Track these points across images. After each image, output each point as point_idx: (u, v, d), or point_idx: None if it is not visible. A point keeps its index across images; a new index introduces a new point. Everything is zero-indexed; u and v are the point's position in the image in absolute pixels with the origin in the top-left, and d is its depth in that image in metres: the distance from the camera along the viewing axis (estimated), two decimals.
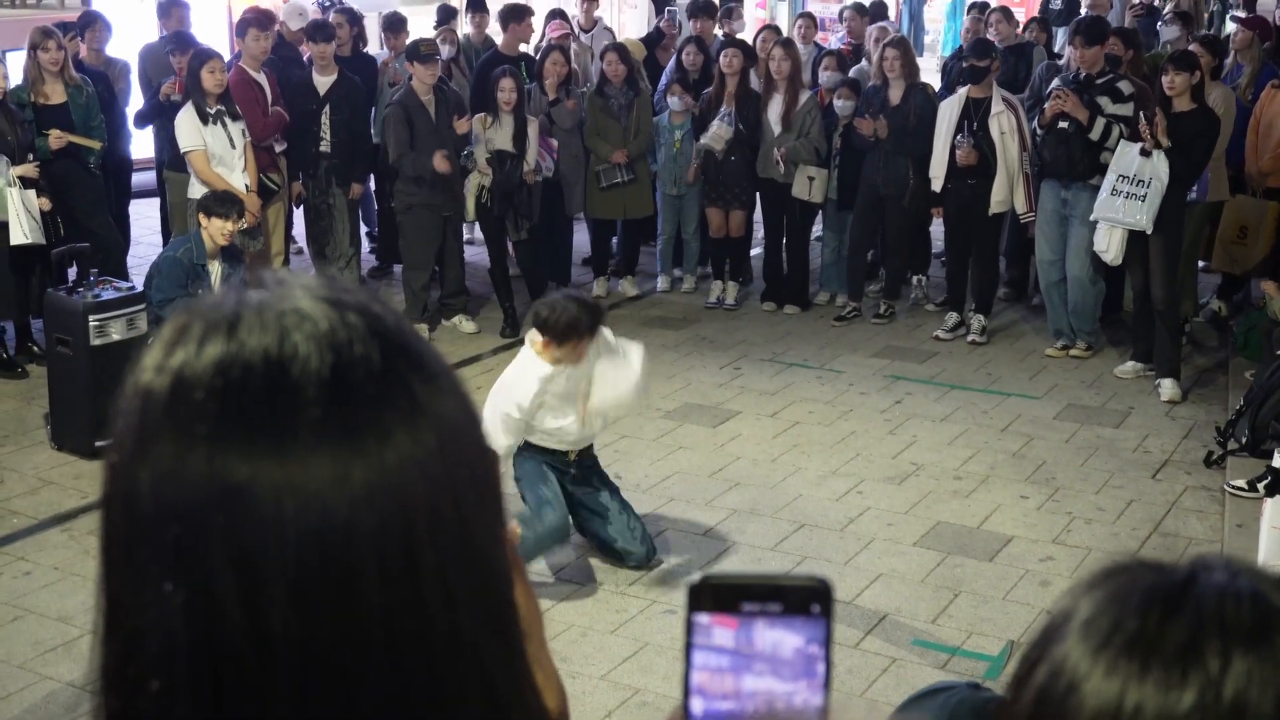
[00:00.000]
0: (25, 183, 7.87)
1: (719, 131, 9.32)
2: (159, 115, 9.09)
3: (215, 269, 7.69)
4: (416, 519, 0.86)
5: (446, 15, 11.30)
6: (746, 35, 13.84)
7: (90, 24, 9.76)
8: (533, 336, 5.54)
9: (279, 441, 0.84)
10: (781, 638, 0.90)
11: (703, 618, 0.90)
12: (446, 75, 9.73)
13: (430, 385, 0.89)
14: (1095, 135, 8.13)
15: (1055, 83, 8.53)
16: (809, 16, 12.68)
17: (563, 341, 5.43)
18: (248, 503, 0.83)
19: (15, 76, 8.49)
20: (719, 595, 0.90)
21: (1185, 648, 0.82)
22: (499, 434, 5.45)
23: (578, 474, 5.89)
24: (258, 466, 0.83)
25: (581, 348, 5.50)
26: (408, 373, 0.89)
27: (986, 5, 12.04)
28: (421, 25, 11.52)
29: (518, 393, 5.52)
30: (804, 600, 0.90)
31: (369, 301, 0.91)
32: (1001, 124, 8.63)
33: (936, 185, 8.84)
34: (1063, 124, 8.23)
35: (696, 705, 0.90)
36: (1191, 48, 8.77)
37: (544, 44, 11.08)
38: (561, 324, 5.39)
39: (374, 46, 11.32)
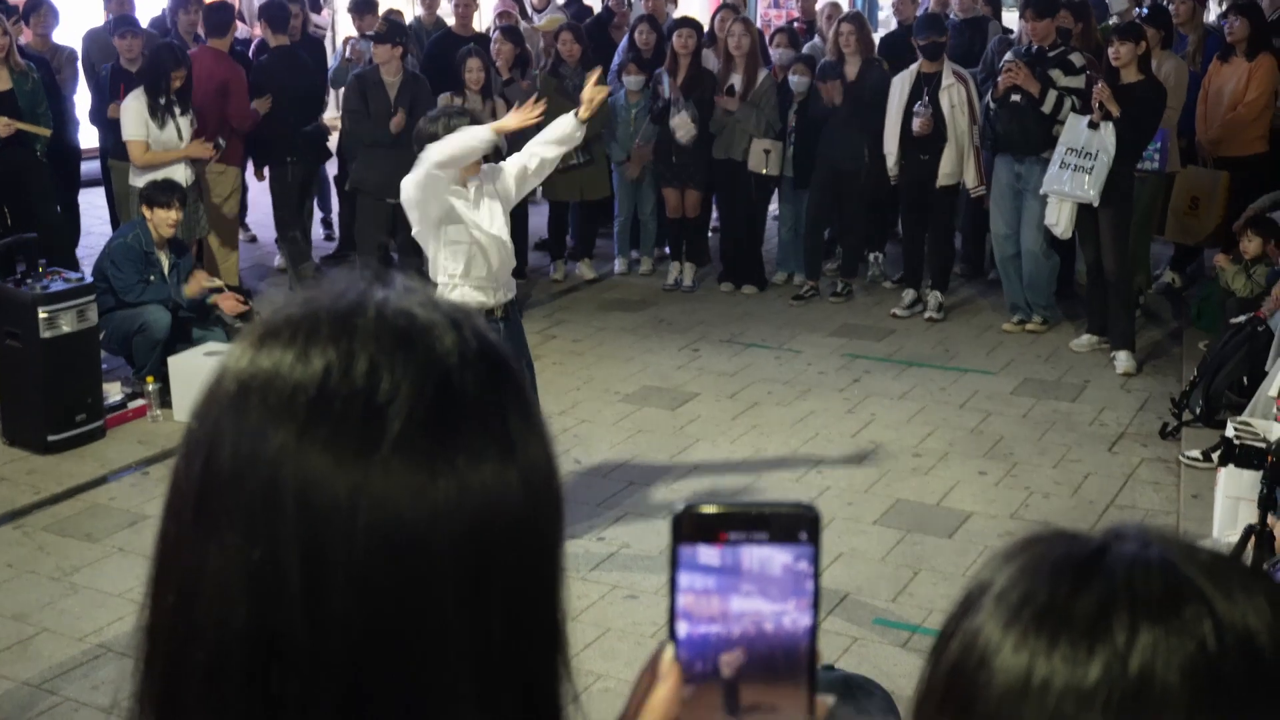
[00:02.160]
0: None
1: (685, 121, 9.29)
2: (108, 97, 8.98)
3: (164, 258, 7.63)
4: (492, 548, 0.86)
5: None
6: (703, 14, 13.83)
7: (35, 9, 9.63)
8: None
9: (366, 444, 0.84)
10: (770, 555, 0.88)
11: (687, 548, 0.89)
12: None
13: (525, 424, 0.90)
14: (1047, 108, 8.15)
15: (1007, 56, 8.54)
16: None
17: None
18: (324, 492, 0.84)
19: None
20: (703, 525, 0.89)
21: (1093, 619, 0.80)
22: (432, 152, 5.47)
23: (505, 328, 5.80)
24: (340, 460, 0.84)
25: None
26: (507, 407, 0.89)
27: None
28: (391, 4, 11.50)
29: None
30: (790, 528, 0.89)
31: (484, 328, 0.92)
32: (952, 97, 8.64)
33: (890, 160, 8.85)
34: (1015, 97, 8.24)
35: (682, 629, 0.89)
36: (1139, 18, 8.81)
37: (495, 24, 11.04)
38: (450, 123, 5.57)
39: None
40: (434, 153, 5.48)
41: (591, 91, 5.76)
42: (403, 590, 0.84)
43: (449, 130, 5.59)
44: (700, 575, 0.88)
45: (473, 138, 5.50)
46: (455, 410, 0.86)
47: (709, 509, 0.89)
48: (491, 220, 5.74)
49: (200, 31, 9.56)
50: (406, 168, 5.80)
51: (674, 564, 0.89)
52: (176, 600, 0.88)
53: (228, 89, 8.93)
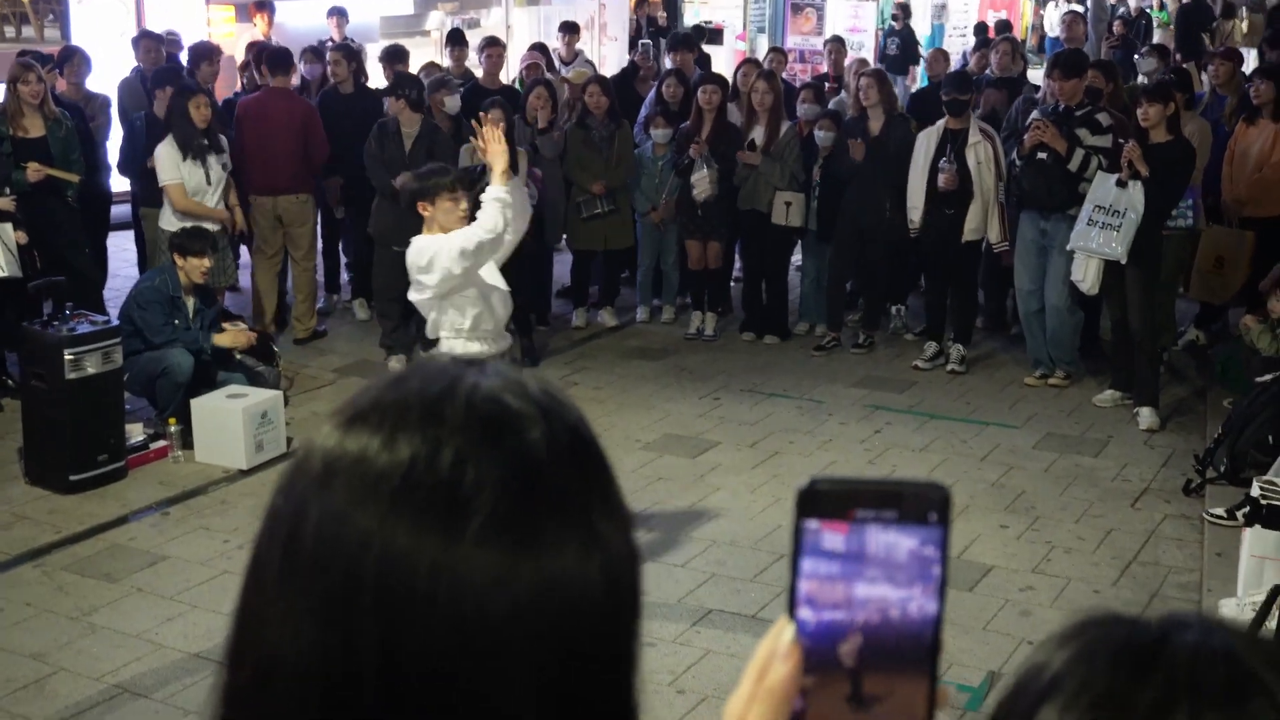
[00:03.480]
0: (2, 216, 7.84)
1: (704, 180, 9.33)
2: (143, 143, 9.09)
3: (189, 303, 7.69)
4: (572, 640, 0.86)
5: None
6: (726, 68, 13.94)
7: (69, 58, 9.77)
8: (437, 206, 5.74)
9: (449, 534, 0.84)
10: (896, 540, 0.85)
11: (812, 523, 0.86)
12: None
13: (611, 519, 0.90)
14: (1074, 166, 8.16)
15: (1034, 114, 8.57)
16: (779, 51, 12.81)
17: (435, 196, 5.71)
18: (405, 580, 0.84)
19: None
20: (829, 501, 0.86)
21: (1154, 712, 0.77)
22: (481, 225, 5.58)
23: None
24: (423, 543, 0.84)
25: (455, 202, 5.78)
26: (594, 501, 0.90)
27: (989, 42, 12.14)
28: (421, 57, 11.63)
29: (453, 239, 5.63)
30: (921, 507, 0.86)
31: (579, 419, 0.92)
32: (978, 154, 8.66)
33: (914, 216, 8.86)
34: (1041, 154, 8.26)
35: (805, 615, 0.86)
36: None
37: (522, 75, 11.16)
38: (430, 181, 5.74)
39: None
40: (481, 230, 5.56)
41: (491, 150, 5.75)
42: (480, 681, 0.84)
43: (432, 188, 5.73)
44: (824, 560, 0.86)
45: (500, 202, 5.58)
46: (541, 503, 0.86)
47: (837, 484, 0.87)
48: (491, 271, 5.83)
49: (248, 80, 9.87)
50: (417, 219, 5.91)
51: (797, 543, 0.86)
52: (253, 676, 0.89)
53: (306, 124, 9.34)
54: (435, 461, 0.86)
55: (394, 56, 10.63)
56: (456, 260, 5.62)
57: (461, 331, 5.83)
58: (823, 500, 0.86)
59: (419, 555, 0.84)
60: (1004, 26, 19.99)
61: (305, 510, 0.88)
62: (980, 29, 20.52)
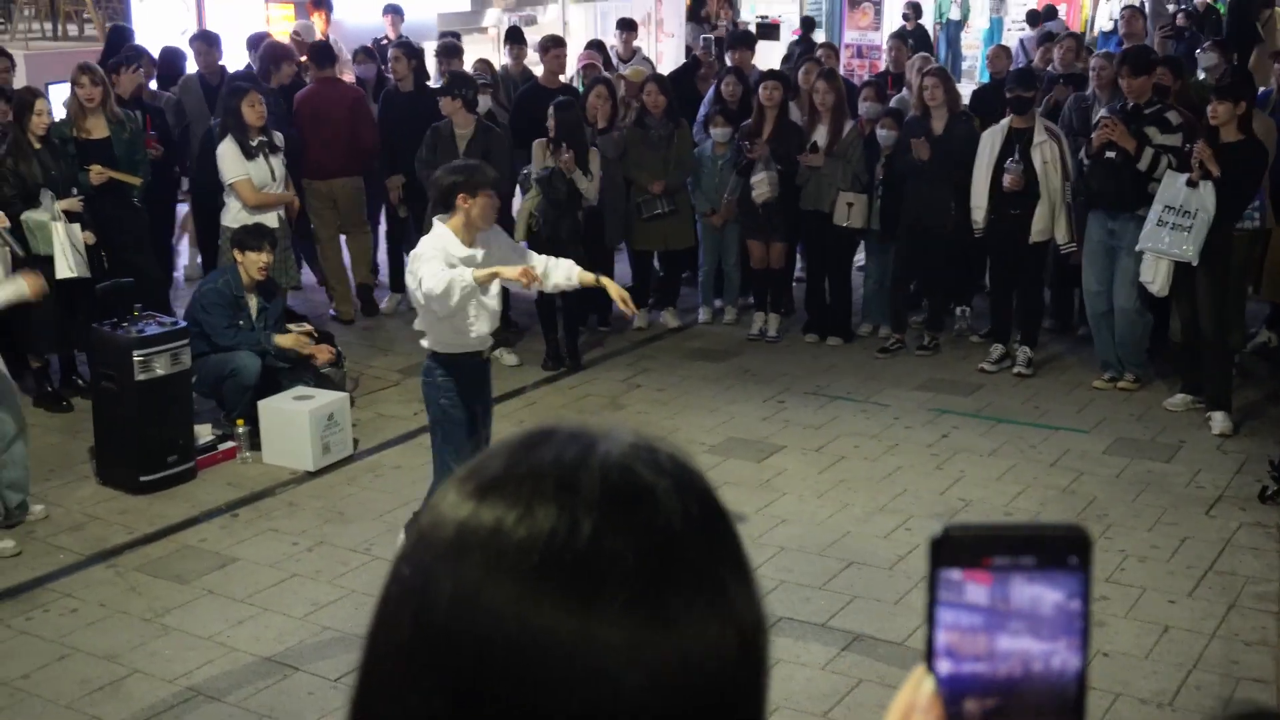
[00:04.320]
0: (70, 217, 7.91)
1: (764, 182, 9.28)
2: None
3: (252, 302, 7.73)
4: (708, 710, 0.85)
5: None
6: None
7: (136, 58, 9.76)
8: (445, 215, 5.82)
9: (586, 608, 0.83)
10: (1040, 594, 0.83)
11: (953, 573, 0.84)
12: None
13: (744, 586, 0.89)
14: (1143, 165, 8.05)
15: (1102, 111, 8.45)
16: (830, 47, 12.74)
17: (479, 191, 5.73)
18: (541, 647, 0.83)
19: (59, 110, 8.55)
20: (965, 548, 0.84)
21: None
22: (433, 279, 5.59)
23: (486, 371, 6.20)
24: (560, 618, 0.83)
25: (493, 203, 5.85)
26: (727, 571, 0.89)
27: (1051, 35, 12.03)
28: (479, 54, 11.65)
29: (440, 246, 5.73)
30: (1060, 551, 0.84)
31: (708, 487, 0.92)
32: (1044, 153, 8.56)
33: (978, 215, 8.78)
34: (1110, 153, 8.15)
35: (944, 667, 0.84)
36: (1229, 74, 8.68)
37: (580, 72, 11.15)
38: (477, 177, 5.78)
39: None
40: (441, 284, 5.57)
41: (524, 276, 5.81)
42: None
43: (478, 183, 5.76)
44: (965, 612, 0.84)
45: (458, 288, 5.59)
46: (677, 576, 0.86)
47: (972, 530, 0.84)
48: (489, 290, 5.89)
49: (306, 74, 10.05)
50: None
51: (933, 593, 0.84)
52: None
53: (355, 110, 9.79)
54: (573, 536, 0.85)
55: (449, 51, 10.62)
56: (417, 278, 5.69)
57: (450, 345, 5.94)
58: (957, 547, 0.84)
59: (556, 630, 0.83)
60: (1050, 12, 19.82)
61: (436, 581, 0.86)
62: (1032, 16, 20.34)
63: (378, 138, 9.91)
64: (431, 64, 11.16)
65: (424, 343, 6.06)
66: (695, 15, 18.81)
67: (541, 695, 0.83)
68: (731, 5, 19.31)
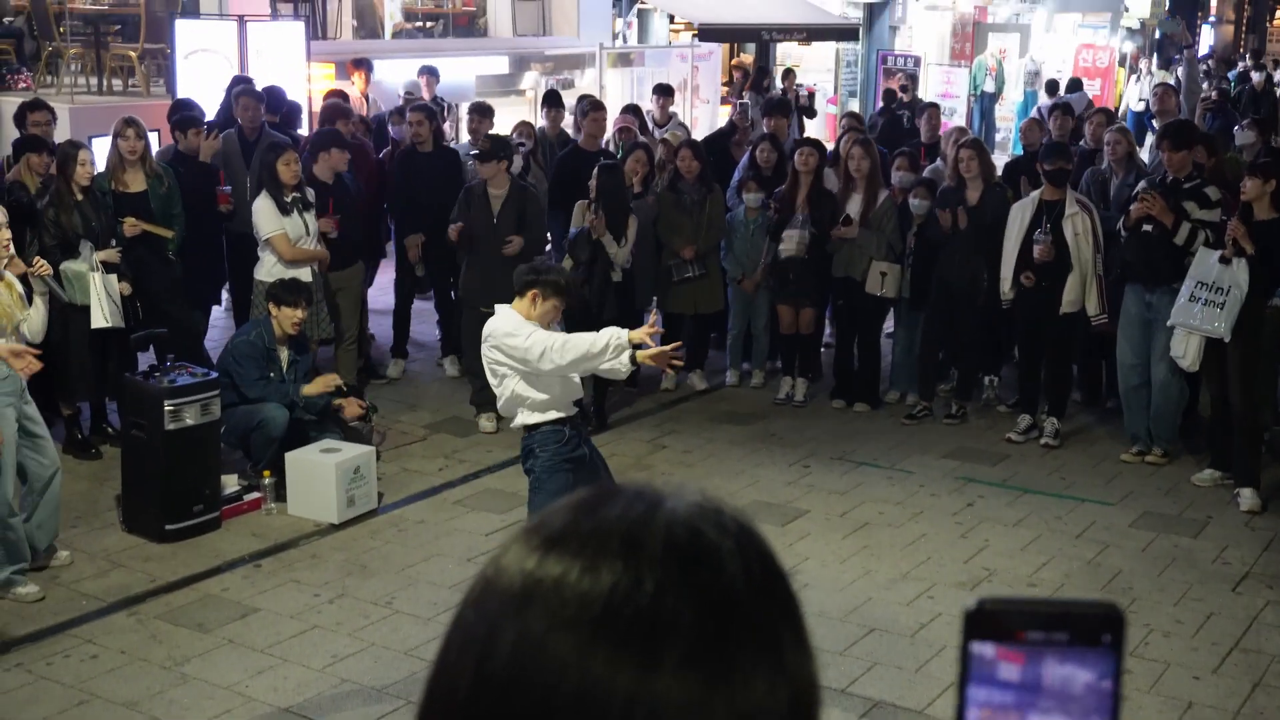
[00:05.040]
0: (107, 267, 8.01)
1: (797, 238, 9.34)
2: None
3: (283, 355, 7.80)
4: None
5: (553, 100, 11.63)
6: (820, 132, 13.96)
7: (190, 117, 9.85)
8: (525, 302, 5.86)
9: (646, 664, 0.85)
10: (1072, 673, 0.83)
11: (985, 648, 0.84)
12: (524, 169, 9.87)
13: (798, 647, 0.91)
14: (1180, 240, 8.05)
15: (1141, 185, 8.47)
16: (855, 116, 12.77)
17: (551, 297, 5.83)
18: (601, 701, 0.84)
19: (101, 162, 8.68)
20: (999, 622, 0.84)
21: None
22: (554, 356, 5.65)
23: (585, 434, 6.20)
24: (621, 673, 0.84)
25: (558, 310, 5.97)
26: (785, 634, 0.90)
27: (1069, 106, 12.08)
28: (501, 118, 11.72)
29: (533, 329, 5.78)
30: (1094, 629, 0.84)
31: (770, 550, 0.93)
32: (1076, 225, 8.57)
33: (1005, 286, 8.79)
34: (1147, 227, 8.16)
35: None
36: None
37: (616, 136, 11.24)
38: (565, 284, 5.96)
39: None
40: (568, 355, 5.65)
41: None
42: None
43: (551, 287, 5.85)
44: (997, 689, 0.84)
45: (594, 354, 5.68)
46: (736, 636, 0.87)
47: (1006, 604, 0.85)
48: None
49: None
50: (507, 279, 6.05)
51: (965, 666, 0.85)
52: None
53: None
54: (636, 591, 0.86)
55: (481, 111, 10.68)
56: (540, 358, 5.70)
57: (535, 409, 5.92)
58: (991, 621, 0.85)
59: (616, 684, 0.84)
60: (1074, 85, 19.90)
61: (500, 631, 0.88)
62: (1051, 86, 20.43)
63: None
64: (463, 124, 11.28)
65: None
66: (758, 85, 18.96)
67: None
68: (791, 75, 19.44)
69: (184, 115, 9.69)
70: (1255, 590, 6.74)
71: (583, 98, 12.18)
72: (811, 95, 19.56)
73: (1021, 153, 11.52)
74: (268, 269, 8.49)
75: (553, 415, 5.91)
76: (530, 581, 0.88)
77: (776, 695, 0.87)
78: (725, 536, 0.90)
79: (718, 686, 0.85)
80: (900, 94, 17.05)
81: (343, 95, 11.60)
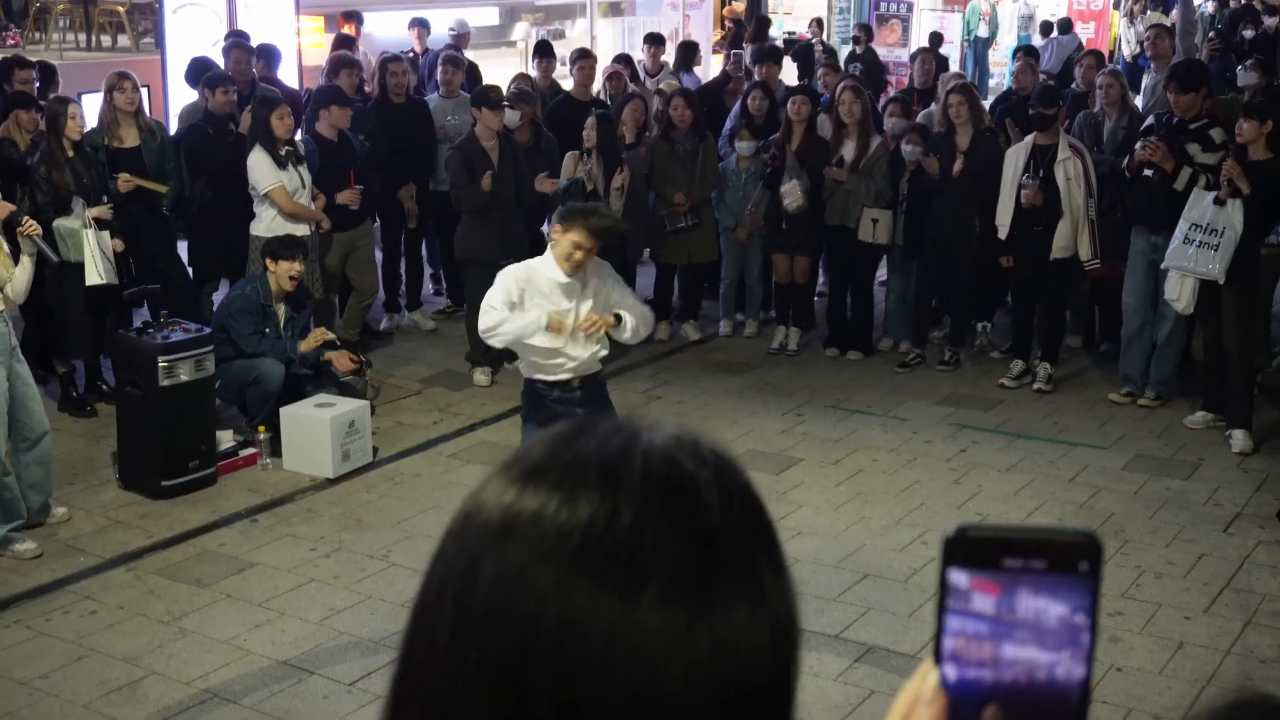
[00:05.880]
0: (99, 224, 8.00)
1: (795, 190, 9.31)
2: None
3: (280, 311, 7.79)
4: (741, 700, 0.87)
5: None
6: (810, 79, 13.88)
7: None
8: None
9: (627, 595, 0.85)
10: (1046, 606, 0.84)
11: (961, 576, 0.85)
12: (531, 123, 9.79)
13: (779, 580, 0.91)
14: (1179, 186, 8.02)
15: (1149, 121, 8.44)
16: (830, 53, 12.77)
17: (585, 233, 5.75)
18: (582, 633, 0.84)
19: (91, 119, 8.65)
20: (977, 549, 0.85)
21: None
22: (491, 336, 5.90)
23: (583, 398, 6.10)
24: (601, 604, 0.84)
25: (590, 254, 5.84)
26: (764, 563, 0.90)
27: (1033, 49, 12.03)
28: (491, 70, 11.65)
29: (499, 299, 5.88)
30: (1072, 557, 0.85)
31: (747, 481, 0.93)
32: (1067, 170, 8.54)
33: (1002, 233, 8.77)
34: (1147, 172, 8.14)
35: (950, 672, 0.86)
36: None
37: (606, 86, 11.19)
38: (573, 215, 5.86)
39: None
40: (503, 332, 5.86)
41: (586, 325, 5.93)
42: None
43: (578, 221, 5.81)
44: (972, 620, 0.85)
45: (525, 332, 5.83)
46: (716, 566, 0.87)
47: (984, 532, 0.85)
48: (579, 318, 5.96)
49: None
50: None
51: (943, 594, 0.86)
52: (422, 713, 0.90)
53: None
54: (614, 523, 0.86)
55: (454, 63, 10.53)
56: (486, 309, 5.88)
57: (536, 361, 6.03)
58: (971, 548, 0.85)
59: (596, 616, 0.84)
60: (1065, 25, 19.87)
61: (480, 565, 0.88)
62: (1045, 28, 20.40)
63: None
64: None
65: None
66: (760, 35, 18.79)
67: (583, 678, 0.84)
68: (822, 26, 19.22)
69: (215, 73, 9.47)
70: (1247, 531, 6.78)
71: (574, 49, 12.11)
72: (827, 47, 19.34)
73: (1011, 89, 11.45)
74: (266, 224, 8.44)
75: (539, 376, 6.03)
76: (509, 514, 0.88)
77: (758, 624, 0.87)
78: (703, 467, 0.90)
79: (699, 616, 0.85)
80: (855, 45, 16.90)
81: (349, 43, 11.53)
